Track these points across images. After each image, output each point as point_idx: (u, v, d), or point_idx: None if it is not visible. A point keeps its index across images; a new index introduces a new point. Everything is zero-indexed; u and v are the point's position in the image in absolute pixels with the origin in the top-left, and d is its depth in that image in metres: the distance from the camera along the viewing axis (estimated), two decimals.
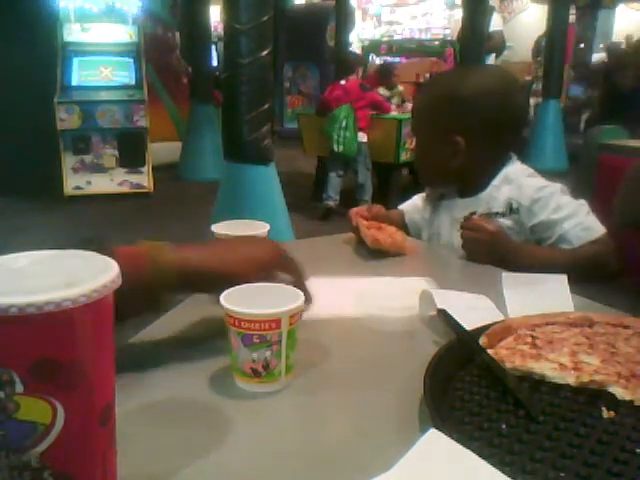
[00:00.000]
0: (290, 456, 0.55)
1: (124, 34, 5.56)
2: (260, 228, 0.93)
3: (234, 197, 2.90)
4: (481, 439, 0.53)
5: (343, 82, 4.44)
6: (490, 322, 0.75)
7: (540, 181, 1.21)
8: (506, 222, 1.18)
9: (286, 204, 3.06)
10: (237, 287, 0.68)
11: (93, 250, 0.51)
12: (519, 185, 1.20)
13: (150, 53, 5.79)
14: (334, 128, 4.33)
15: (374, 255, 1.15)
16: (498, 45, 6.20)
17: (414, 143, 1.37)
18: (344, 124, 4.29)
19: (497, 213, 1.20)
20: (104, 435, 0.41)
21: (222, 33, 2.80)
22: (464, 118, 1.21)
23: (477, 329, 0.72)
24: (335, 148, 4.40)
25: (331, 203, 4.60)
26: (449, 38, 8.59)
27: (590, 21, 8.47)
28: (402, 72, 7.78)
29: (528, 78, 7.65)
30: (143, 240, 0.71)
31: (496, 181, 1.23)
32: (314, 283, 0.78)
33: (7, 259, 0.42)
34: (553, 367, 0.64)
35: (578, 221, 1.13)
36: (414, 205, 1.43)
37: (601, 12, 8.88)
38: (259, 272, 0.75)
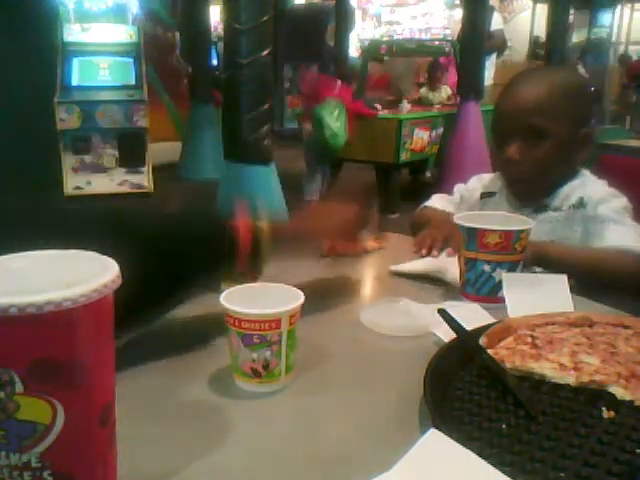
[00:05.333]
0: (290, 456, 0.55)
1: (124, 34, 5.56)
2: None
3: (234, 198, 2.90)
4: (481, 439, 0.53)
5: (339, 83, 4.46)
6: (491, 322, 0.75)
7: (614, 190, 1.22)
8: (570, 215, 1.19)
9: (286, 204, 3.06)
10: (237, 287, 0.68)
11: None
12: (594, 187, 1.22)
13: (150, 53, 5.79)
14: (325, 113, 4.17)
15: (376, 255, 1.15)
16: (499, 44, 6.20)
17: (539, 149, 1.17)
18: (336, 113, 4.20)
19: (569, 206, 1.20)
20: (104, 435, 0.41)
21: (222, 33, 2.80)
22: (588, 109, 1.24)
23: (477, 329, 0.72)
24: (320, 134, 4.22)
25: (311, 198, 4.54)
26: (449, 38, 8.59)
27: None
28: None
29: None
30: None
31: (574, 183, 1.23)
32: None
33: (7, 259, 0.42)
34: (553, 367, 0.64)
35: (625, 231, 1.13)
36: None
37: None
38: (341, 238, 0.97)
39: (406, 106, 5.17)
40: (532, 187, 1.23)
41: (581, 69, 6.93)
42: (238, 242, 0.77)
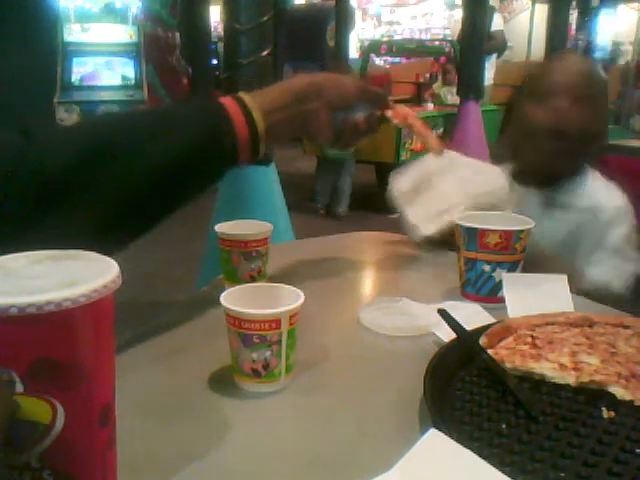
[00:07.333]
0: (290, 456, 0.55)
1: (124, 34, 5.57)
2: (263, 228, 0.93)
3: (234, 197, 2.90)
4: (481, 439, 0.53)
5: None
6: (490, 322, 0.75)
7: (622, 196, 1.23)
8: (574, 218, 1.21)
9: (286, 204, 3.06)
10: (237, 287, 0.68)
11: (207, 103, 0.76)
12: (603, 193, 1.24)
13: (150, 53, 5.79)
14: None
15: (376, 255, 1.15)
16: (500, 45, 6.20)
17: (583, 113, 1.20)
18: None
19: (576, 209, 1.22)
20: (104, 435, 0.41)
21: (222, 33, 2.80)
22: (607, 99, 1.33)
23: (477, 329, 0.72)
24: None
25: (321, 205, 4.73)
26: (449, 38, 8.59)
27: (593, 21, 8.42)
28: (402, 72, 7.79)
29: None
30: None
31: (581, 181, 1.25)
32: None
33: (7, 259, 0.42)
34: (553, 367, 0.64)
35: (616, 264, 1.17)
36: None
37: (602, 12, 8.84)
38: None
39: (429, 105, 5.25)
40: (563, 148, 1.22)
41: (600, 70, 6.91)
42: (228, 110, 0.74)
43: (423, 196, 1.15)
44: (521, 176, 1.30)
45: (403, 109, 0.94)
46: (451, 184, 1.15)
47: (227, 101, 0.76)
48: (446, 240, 1.07)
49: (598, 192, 1.23)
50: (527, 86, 1.31)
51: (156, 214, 0.73)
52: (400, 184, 1.18)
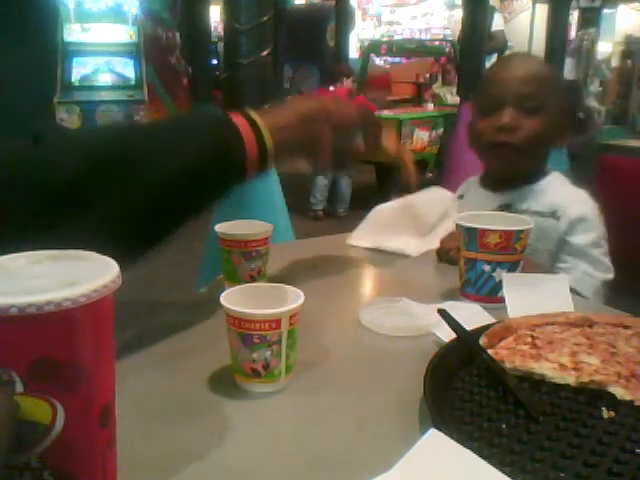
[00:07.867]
0: (290, 456, 0.55)
1: (124, 34, 5.57)
2: (263, 228, 0.93)
3: (234, 197, 2.90)
4: (481, 439, 0.53)
5: (332, 88, 4.51)
6: (490, 322, 0.75)
7: (590, 201, 1.22)
8: (542, 224, 1.19)
9: (286, 204, 3.07)
10: (237, 287, 0.68)
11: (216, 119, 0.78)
12: (567, 196, 1.22)
13: (150, 53, 5.79)
14: None
15: (376, 255, 1.15)
16: (500, 45, 6.21)
17: (531, 121, 1.19)
18: None
19: (536, 212, 1.20)
20: (104, 435, 0.41)
21: (222, 33, 2.80)
22: (573, 97, 1.34)
23: (477, 329, 0.72)
24: None
25: (319, 207, 4.73)
26: (449, 38, 8.59)
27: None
28: (402, 72, 7.79)
29: None
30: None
31: (542, 183, 1.24)
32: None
33: (7, 259, 0.42)
34: (553, 367, 0.64)
35: (592, 271, 1.16)
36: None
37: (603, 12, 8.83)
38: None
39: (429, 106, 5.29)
40: (516, 159, 1.22)
41: (605, 70, 6.89)
42: (237, 126, 0.76)
43: (399, 227, 1.16)
44: (481, 179, 1.31)
45: (399, 145, 1.02)
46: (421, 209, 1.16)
47: (237, 118, 0.77)
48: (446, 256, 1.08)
49: (560, 199, 1.22)
50: (475, 95, 1.30)
51: (161, 229, 0.74)
52: (360, 233, 1.19)
